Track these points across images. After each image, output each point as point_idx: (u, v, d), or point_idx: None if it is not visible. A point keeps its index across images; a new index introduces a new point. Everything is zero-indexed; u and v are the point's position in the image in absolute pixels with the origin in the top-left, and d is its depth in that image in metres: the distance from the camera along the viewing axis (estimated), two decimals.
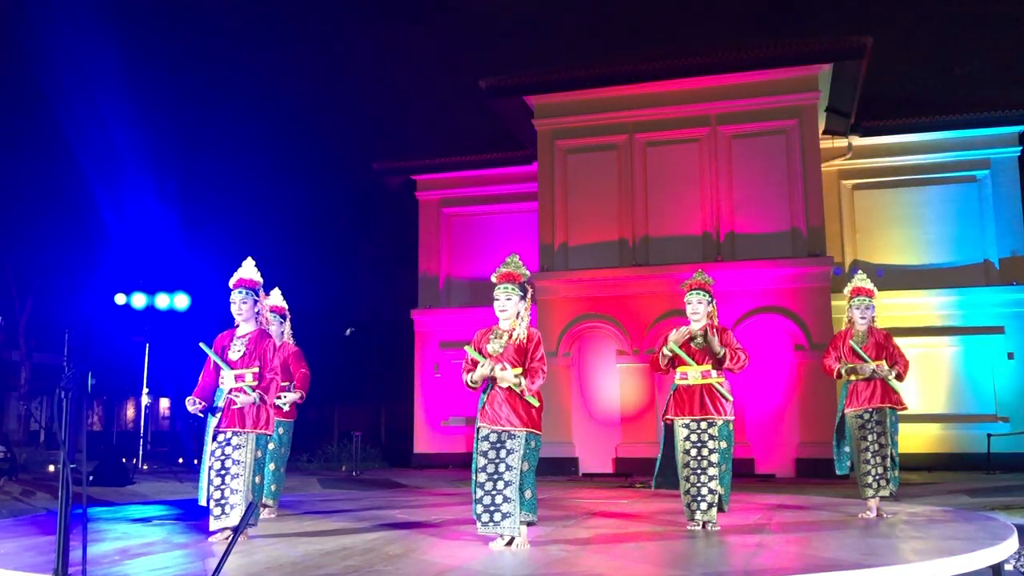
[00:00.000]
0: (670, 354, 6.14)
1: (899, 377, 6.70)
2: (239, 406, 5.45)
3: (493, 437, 5.13)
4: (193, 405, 5.58)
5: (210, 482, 5.40)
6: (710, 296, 6.21)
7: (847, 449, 6.89)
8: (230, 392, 5.49)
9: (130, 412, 30.36)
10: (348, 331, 16.45)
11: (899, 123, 16.33)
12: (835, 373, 6.85)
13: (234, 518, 5.27)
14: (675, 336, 6.09)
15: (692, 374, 6.06)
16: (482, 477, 5.08)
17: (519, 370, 5.21)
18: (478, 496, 5.07)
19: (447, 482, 12.65)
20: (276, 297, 7.12)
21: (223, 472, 5.38)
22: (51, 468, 12.68)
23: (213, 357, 5.60)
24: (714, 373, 6.03)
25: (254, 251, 5.98)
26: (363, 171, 22.67)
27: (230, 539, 4.18)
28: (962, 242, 16.09)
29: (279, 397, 6.56)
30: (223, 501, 5.34)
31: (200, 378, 5.68)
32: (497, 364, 5.15)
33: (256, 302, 5.72)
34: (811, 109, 14.76)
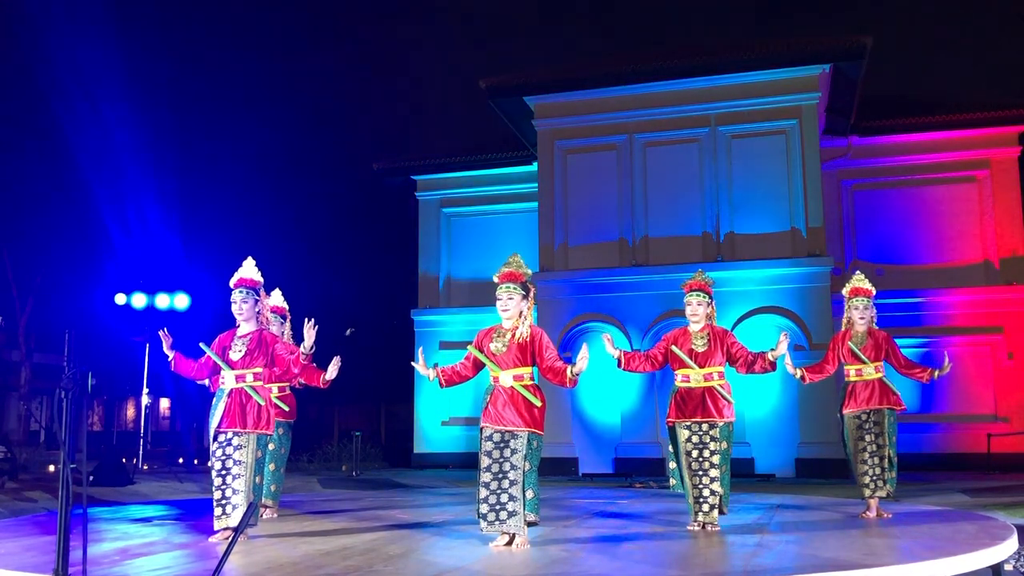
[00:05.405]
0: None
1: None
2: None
3: (496, 437, 5.13)
4: (167, 339, 5.72)
5: (211, 482, 5.40)
6: (710, 297, 6.20)
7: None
8: (231, 393, 5.50)
9: (130, 412, 30.39)
10: (348, 331, 16.42)
11: (899, 123, 16.32)
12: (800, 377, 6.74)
13: (236, 518, 5.27)
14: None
15: (694, 376, 6.05)
16: (487, 477, 5.08)
17: (527, 369, 5.22)
18: (483, 496, 5.07)
19: (447, 482, 12.65)
20: (277, 298, 7.12)
21: (224, 472, 5.38)
22: (51, 468, 12.68)
23: (214, 358, 5.60)
24: (715, 376, 6.03)
25: (254, 251, 5.97)
26: (363, 171, 22.69)
27: (230, 539, 4.18)
28: (962, 242, 16.08)
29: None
30: (224, 501, 5.35)
31: (194, 362, 5.78)
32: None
33: (257, 302, 5.71)
34: (811, 109, 14.76)
